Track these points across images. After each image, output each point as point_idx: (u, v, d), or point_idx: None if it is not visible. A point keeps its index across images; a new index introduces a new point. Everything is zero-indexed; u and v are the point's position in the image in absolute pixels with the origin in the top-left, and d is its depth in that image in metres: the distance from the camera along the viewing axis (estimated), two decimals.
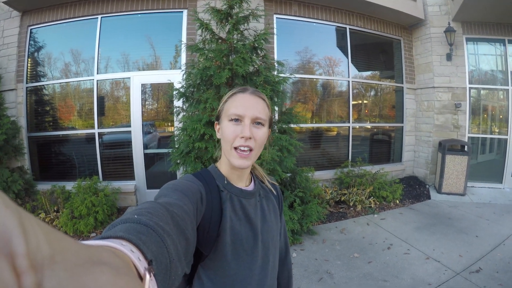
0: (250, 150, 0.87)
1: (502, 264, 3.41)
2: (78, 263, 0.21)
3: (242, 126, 0.87)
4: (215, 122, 0.99)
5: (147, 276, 0.36)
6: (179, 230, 0.56)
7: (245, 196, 0.96)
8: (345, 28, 6.38)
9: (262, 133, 0.90)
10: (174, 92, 3.98)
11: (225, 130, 0.89)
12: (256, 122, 0.89)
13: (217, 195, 0.89)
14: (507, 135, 6.68)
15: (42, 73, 5.57)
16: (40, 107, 5.58)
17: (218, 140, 0.98)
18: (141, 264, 0.37)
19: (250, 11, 3.83)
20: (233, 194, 0.93)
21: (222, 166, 0.97)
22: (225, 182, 0.93)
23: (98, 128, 5.30)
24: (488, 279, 3.10)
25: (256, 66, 3.83)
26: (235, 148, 0.87)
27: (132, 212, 0.52)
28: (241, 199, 0.94)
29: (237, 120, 0.87)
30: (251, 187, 1.01)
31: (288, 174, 4.27)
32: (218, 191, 0.90)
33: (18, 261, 0.17)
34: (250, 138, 0.86)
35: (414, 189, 6.35)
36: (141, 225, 0.46)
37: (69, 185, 4.82)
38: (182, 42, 4.49)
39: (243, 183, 0.99)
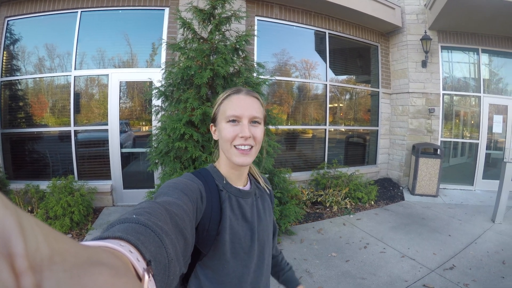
0: (251, 147, 0.89)
1: (475, 261, 3.57)
2: (77, 264, 0.21)
3: (241, 126, 0.88)
4: (211, 124, 1.00)
5: (146, 276, 0.36)
6: (178, 230, 0.56)
7: (242, 195, 0.97)
8: (325, 32, 6.52)
9: (260, 130, 0.92)
10: (154, 91, 3.92)
11: (224, 132, 0.89)
12: (253, 121, 0.91)
13: (216, 194, 0.90)
14: (478, 139, 7.00)
15: (17, 67, 5.34)
16: (15, 102, 5.35)
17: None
18: (140, 264, 0.36)
19: (232, 12, 3.85)
20: (231, 194, 0.94)
21: (222, 166, 0.98)
22: (224, 182, 0.95)
23: (74, 125, 5.15)
24: (461, 275, 3.24)
25: (237, 67, 3.83)
26: (235, 147, 0.88)
27: (130, 211, 0.52)
28: (239, 199, 0.96)
29: (235, 121, 0.89)
30: (248, 187, 1.03)
31: (266, 175, 4.30)
32: (218, 191, 0.91)
33: (17, 261, 0.17)
34: (249, 137, 0.88)
35: (389, 191, 6.54)
36: (140, 225, 0.46)
37: (44, 184, 4.66)
38: (163, 40, 4.44)
39: (242, 183, 1.00)
